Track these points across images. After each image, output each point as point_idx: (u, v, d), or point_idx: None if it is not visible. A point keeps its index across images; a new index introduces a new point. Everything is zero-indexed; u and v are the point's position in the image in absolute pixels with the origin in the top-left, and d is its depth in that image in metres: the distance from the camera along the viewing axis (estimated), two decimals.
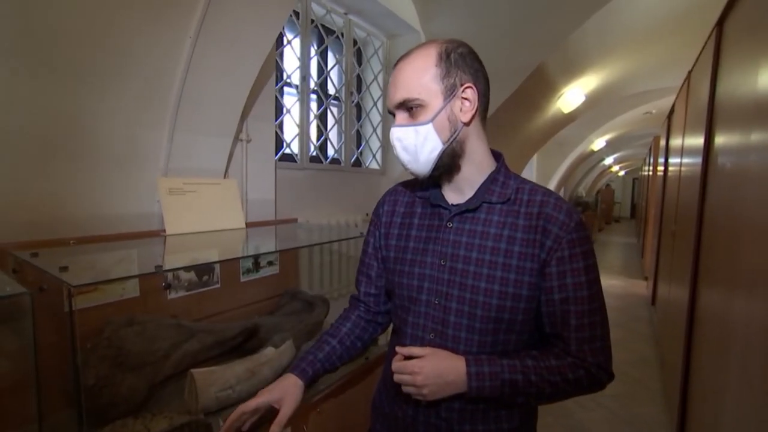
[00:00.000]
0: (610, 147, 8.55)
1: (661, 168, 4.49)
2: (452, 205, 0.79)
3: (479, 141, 0.77)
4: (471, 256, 0.74)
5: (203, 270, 1.40)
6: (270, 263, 1.64)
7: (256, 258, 1.57)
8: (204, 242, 1.17)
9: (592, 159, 9.13)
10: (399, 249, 0.85)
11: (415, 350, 0.74)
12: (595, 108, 4.73)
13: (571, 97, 3.86)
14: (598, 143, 7.28)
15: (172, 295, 1.31)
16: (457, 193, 0.79)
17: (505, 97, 2.86)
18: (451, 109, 0.72)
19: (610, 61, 3.53)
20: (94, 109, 1.15)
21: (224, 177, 1.58)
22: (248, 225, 1.53)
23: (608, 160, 10.70)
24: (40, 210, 1.10)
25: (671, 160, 3.51)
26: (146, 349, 1.05)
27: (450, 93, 0.72)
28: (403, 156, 0.75)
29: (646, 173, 8.41)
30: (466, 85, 0.72)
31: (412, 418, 0.81)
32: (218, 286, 1.44)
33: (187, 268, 1.32)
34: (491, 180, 0.77)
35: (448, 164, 0.75)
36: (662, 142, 4.52)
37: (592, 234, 10.04)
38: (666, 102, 4.51)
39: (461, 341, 0.74)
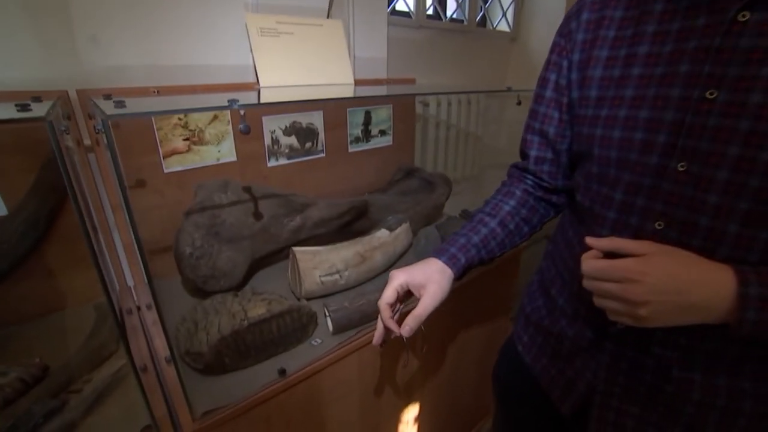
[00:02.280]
0: None
1: None
2: None
3: None
4: None
5: (306, 135, 1.17)
6: (382, 132, 1.36)
7: (366, 124, 1.29)
8: (304, 97, 0.91)
9: None
10: (610, 83, 0.50)
11: (627, 243, 0.45)
12: None
13: None
14: None
15: (272, 162, 1.12)
16: None
17: None
18: None
19: None
20: None
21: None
22: (358, 82, 1.22)
23: None
24: (122, 58, 0.92)
25: None
26: (243, 219, 0.90)
27: None
28: None
29: None
30: None
31: (591, 342, 0.56)
32: (323, 155, 1.22)
33: (267, 106, 1.10)
34: None
35: None
36: None
37: None
38: None
39: (726, 240, 0.43)
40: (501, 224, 0.67)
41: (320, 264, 0.90)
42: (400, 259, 1.09)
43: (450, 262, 0.64)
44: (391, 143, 1.39)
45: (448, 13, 1.92)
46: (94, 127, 0.66)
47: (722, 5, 0.41)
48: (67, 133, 0.63)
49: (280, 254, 1.01)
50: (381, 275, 1.02)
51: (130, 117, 0.49)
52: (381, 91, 1.15)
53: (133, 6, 0.91)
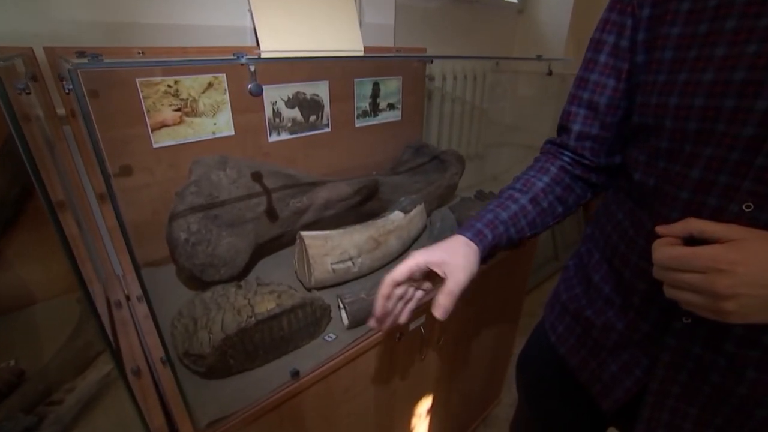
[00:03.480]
0: None
1: None
2: None
3: None
4: None
5: (311, 107, 1.06)
6: (391, 106, 1.25)
7: (374, 97, 1.18)
8: (310, 65, 0.80)
9: None
10: (691, 42, 0.42)
11: (712, 226, 0.38)
12: None
13: None
14: None
15: (273, 137, 1.01)
16: None
17: None
18: None
19: None
20: None
21: None
22: (367, 50, 1.10)
23: None
24: (100, 13, 0.79)
25: None
26: (245, 201, 0.80)
27: None
28: None
29: None
30: None
31: (646, 336, 0.50)
32: (328, 130, 1.11)
33: (289, 60, 0.99)
34: None
35: None
36: None
37: None
38: None
39: None
40: (533, 201, 0.59)
41: (332, 250, 0.81)
42: (414, 243, 1.00)
43: (476, 238, 0.56)
44: (399, 118, 1.28)
45: None
46: (64, 87, 0.55)
47: None
48: (27, 93, 0.52)
49: (284, 239, 0.91)
50: (395, 261, 0.94)
51: (107, 68, 0.38)
52: (398, 67, 1.03)
53: None
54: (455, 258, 0.53)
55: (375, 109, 1.20)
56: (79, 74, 0.33)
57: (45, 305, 0.82)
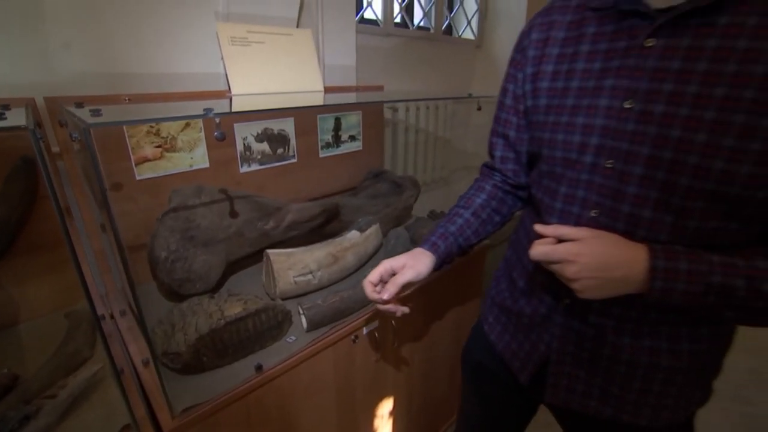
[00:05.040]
0: None
1: None
2: (657, 10, 0.47)
3: None
4: (685, 92, 0.45)
5: (278, 141, 1.20)
6: (352, 138, 1.40)
7: (336, 130, 1.33)
8: (275, 104, 0.95)
9: None
10: (554, 93, 0.58)
11: (567, 230, 0.54)
12: None
13: None
14: None
15: (245, 168, 1.15)
16: None
17: None
18: None
19: None
20: None
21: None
22: (327, 90, 1.26)
23: None
24: (93, 65, 0.93)
25: None
26: (217, 223, 0.92)
27: None
28: None
29: None
30: None
31: (544, 317, 0.64)
32: (295, 160, 1.25)
33: (242, 114, 1.13)
34: None
35: None
36: None
37: None
38: None
39: (642, 223, 0.51)
40: (474, 214, 0.75)
41: (294, 265, 0.93)
42: (371, 259, 1.14)
43: (432, 248, 0.73)
44: (361, 148, 1.44)
45: (415, 22, 2.00)
46: (70, 134, 0.67)
47: (636, 32, 0.49)
48: (43, 141, 0.64)
49: (254, 257, 1.03)
50: (353, 275, 1.07)
51: (112, 126, 0.51)
52: (350, 98, 1.20)
53: (104, 13, 0.92)
54: (410, 262, 0.70)
55: (337, 140, 1.36)
56: (88, 129, 0.46)
57: (33, 323, 0.91)
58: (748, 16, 0.42)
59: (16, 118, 0.61)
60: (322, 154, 1.33)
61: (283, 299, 0.93)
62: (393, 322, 1.01)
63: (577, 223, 0.56)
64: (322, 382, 0.89)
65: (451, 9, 2.22)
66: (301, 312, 0.86)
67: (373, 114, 1.46)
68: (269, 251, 0.92)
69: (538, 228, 0.56)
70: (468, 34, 2.32)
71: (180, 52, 1.06)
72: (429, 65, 2.04)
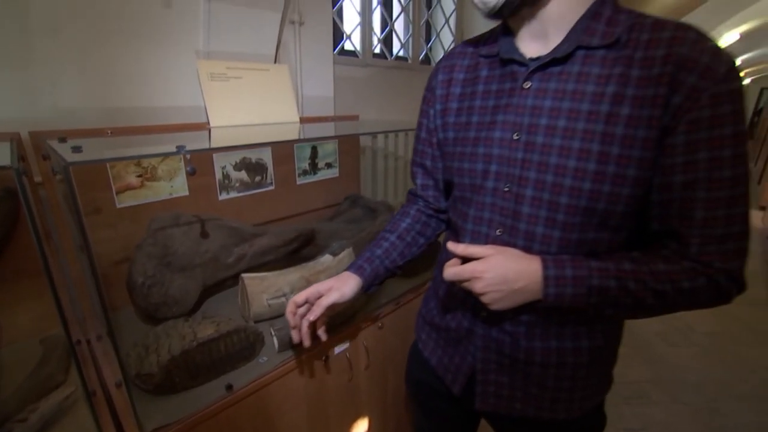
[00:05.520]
0: (744, 42, 6.85)
1: None
2: (530, 59, 0.58)
3: None
4: (557, 126, 0.55)
5: (256, 170, 1.26)
6: (329, 165, 1.47)
7: (313, 158, 1.40)
8: (252, 136, 1.01)
9: None
10: (459, 127, 0.67)
11: (474, 249, 0.59)
12: None
13: None
14: (729, 37, 5.81)
15: (223, 196, 1.20)
16: (539, 39, 0.58)
17: None
18: None
19: None
20: None
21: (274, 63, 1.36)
22: (303, 120, 1.33)
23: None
24: (75, 100, 0.99)
25: None
26: (194, 249, 0.96)
27: None
28: None
29: None
30: None
31: (467, 330, 0.69)
32: (272, 188, 1.31)
33: (222, 150, 1.18)
34: (592, 15, 0.54)
35: None
36: None
37: None
38: None
39: (536, 238, 0.59)
40: (399, 237, 0.80)
41: (267, 288, 0.97)
42: None
43: (358, 271, 0.77)
44: (337, 175, 1.51)
45: (394, 51, 2.11)
46: (52, 168, 0.72)
47: (517, 76, 0.59)
48: (26, 175, 0.69)
49: (230, 281, 1.07)
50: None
51: (90, 164, 0.56)
52: (326, 127, 1.27)
53: (90, 53, 0.99)
54: (338, 285, 0.74)
55: (314, 168, 1.42)
56: (68, 167, 0.51)
57: (10, 348, 0.92)
58: (592, 67, 0.53)
59: (2, 152, 0.66)
60: (300, 181, 1.39)
61: (257, 321, 0.97)
62: (364, 343, 1.05)
63: (486, 242, 0.63)
64: (293, 402, 0.92)
65: (428, 40, 2.36)
66: (273, 333, 0.89)
67: (349, 142, 1.54)
68: (244, 275, 0.96)
69: (450, 246, 0.62)
70: None
71: (163, 87, 1.12)
72: (407, 93, 2.14)
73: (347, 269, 0.78)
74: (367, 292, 0.78)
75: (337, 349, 0.98)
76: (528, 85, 0.57)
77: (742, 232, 0.52)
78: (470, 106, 0.65)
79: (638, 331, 2.47)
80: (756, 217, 5.07)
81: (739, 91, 0.49)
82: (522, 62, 0.58)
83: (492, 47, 0.63)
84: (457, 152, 0.67)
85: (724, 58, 0.48)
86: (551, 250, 0.58)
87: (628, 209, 0.54)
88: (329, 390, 1.00)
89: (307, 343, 0.75)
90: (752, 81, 15.27)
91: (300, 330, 0.75)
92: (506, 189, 0.60)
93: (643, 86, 0.50)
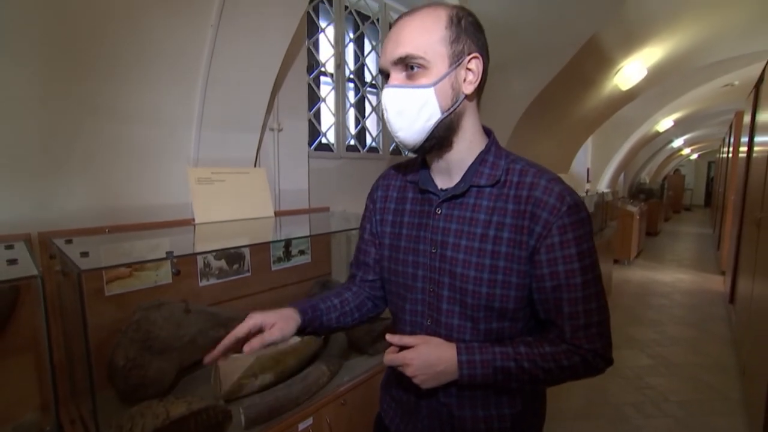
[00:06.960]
0: (679, 127, 7.70)
1: (744, 149, 3.96)
2: (441, 190, 0.75)
3: (474, 118, 0.73)
4: (460, 244, 0.71)
5: (234, 258, 1.41)
6: (302, 252, 1.64)
7: (286, 246, 1.57)
8: (231, 230, 1.18)
9: (657, 141, 8.25)
10: (394, 236, 0.82)
11: (406, 339, 0.71)
12: (661, 83, 4.25)
13: (630, 72, 3.47)
14: (664, 123, 6.58)
15: (204, 282, 1.33)
16: (445, 176, 0.75)
17: (555, 74, 2.64)
18: (456, 77, 0.67)
19: (678, 28, 3.13)
20: (126, 108, 1.19)
21: (255, 166, 1.58)
22: (278, 213, 1.52)
23: (677, 142, 9.59)
24: (80, 202, 1.16)
25: (758, 139, 3.06)
26: (173, 333, 1.08)
27: (456, 60, 0.66)
28: (396, 122, 0.68)
29: (724, 155, 7.52)
30: (473, 55, 0.67)
31: (415, 402, 0.81)
32: (249, 274, 1.45)
33: (204, 254, 1.34)
34: (480, 161, 0.72)
35: (441, 137, 0.70)
36: (747, 118, 3.98)
37: (657, 224, 9.25)
38: (752, 71, 3.94)
39: (454, 328, 0.73)
40: (341, 303, 0.86)
41: (239, 368, 1.07)
42: (313, 362, 1.28)
43: (301, 313, 0.78)
44: (309, 260, 1.67)
45: (367, 143, 2.40)
46: (62, 270, 0.86)
47: (431, 202, 0.74)
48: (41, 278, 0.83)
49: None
50: (293, 377, 1.20)
51: (101, 270, 0.70)
52: (300, 221, 1.44)
53: (89, 158, 1.16)
54: (279, 322, 0.73)
55: (288, 255, 1.58)
56: (80, 274, 0.65)
57: None
58: (482, 200, 0.70)
59: (19, 253, 0.80)
60: (274, 267, 1.54)
61: (229, 400, 1.05)
62: (327, 419, 1.13)
63: (420, 330, 0.76)
64: None
65: None
66: (241, 411, 0.98)
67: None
68: None
69: (388, 337, 0.74)
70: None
71: (157, 187, 1.31)
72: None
73: (292, 306, 0.79)
74: (298, 335, 0.81)
75: (301, 425, 1.06)
76: (439, 211, 0.73)
77: (601, 320, 0.69)
78: (401, 221, 0.81)
79: (615, 401, 2.52)
80: (717, 282, 5.33)
81: (580, 220, 0.67)
82: (435, 192, 0.74)
83: (415, 176, 0.79)
84: (392, 257, 0.82)
85: (567, 198, 0.66)
86: (465, 337, 0.71)
87: (517, 306, 0.69)
88: None
89: (215, 355, 0.74)
90: (699, 156, 16.72)
91: (222, 343, 0.73)
92: (430, 289, 0.74)
93: (516, 217, 0.67)
